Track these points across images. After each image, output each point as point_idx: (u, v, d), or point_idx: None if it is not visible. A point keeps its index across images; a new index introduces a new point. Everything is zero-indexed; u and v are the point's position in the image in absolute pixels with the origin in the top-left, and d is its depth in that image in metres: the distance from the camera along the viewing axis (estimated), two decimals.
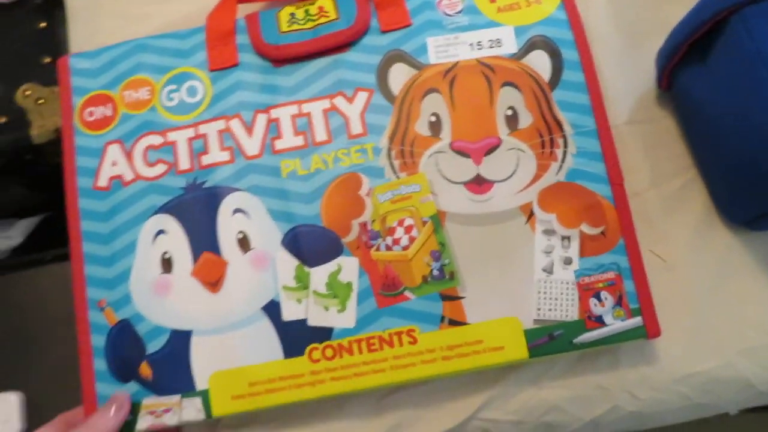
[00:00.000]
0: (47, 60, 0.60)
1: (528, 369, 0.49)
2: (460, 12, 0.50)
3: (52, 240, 0.64)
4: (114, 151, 0.50)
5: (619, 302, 0.45)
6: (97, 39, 0.58)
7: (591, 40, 0.52)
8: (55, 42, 0.60)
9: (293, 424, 0.49)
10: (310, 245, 0.47)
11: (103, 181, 0.49)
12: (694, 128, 0.50)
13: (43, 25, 0.61)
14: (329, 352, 0.45)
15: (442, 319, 0.45)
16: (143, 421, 0.45)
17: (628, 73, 0.53)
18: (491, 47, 0.49)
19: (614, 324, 0.45)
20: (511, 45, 0.49)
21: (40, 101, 0.58)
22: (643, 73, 0.53)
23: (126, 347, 0.46)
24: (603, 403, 0.49)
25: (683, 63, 0.48)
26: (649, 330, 0.45)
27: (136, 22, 0.59)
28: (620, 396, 0.48)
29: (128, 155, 0.49)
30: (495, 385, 0.49)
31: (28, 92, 0.58)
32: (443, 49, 0.49)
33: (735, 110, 0.44)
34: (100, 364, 0.46)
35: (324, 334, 0.45)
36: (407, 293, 0.46)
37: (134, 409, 0.45)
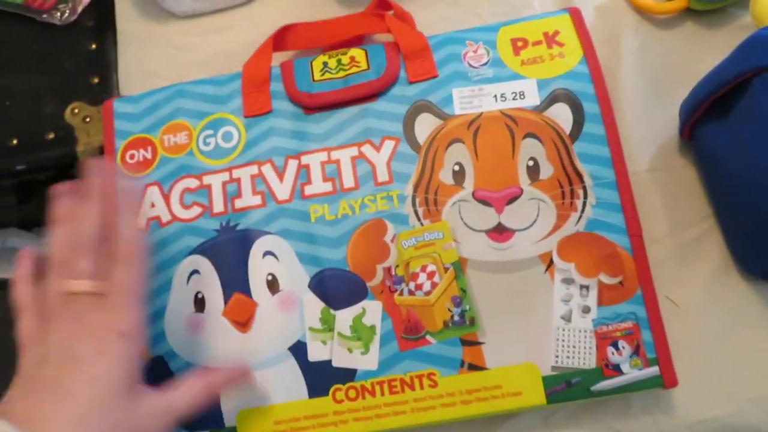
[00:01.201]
0: (96, 80, 0.63)
1: (539, 407, 0.50)
2: (485, 64, 0.52)
3: None
4: (153, 193, 0.52)
5: (636, 351, 0.46)
6: (144, 64, 0.62)
7: (617, 89, 0.53)
8: (105, 63, 0.63)
9: None
10: (335, 288, 0.48)
11: (141, 222, 0.52)
12: (713, 180, 0.51)
13: (93, 46, 0.64)
14: (352, 393, 0.47)
15: (462, 363, 0.47)
16: None
17: (651, 121, 0.54)
18: (514, 99, 0.51)
19: (631, 373, 0.46)
20: (533, 97, 0.51)
21: (86, 119, 0.60)
22: (666, 121, 0.54)
23: (159, 383, 0.48)
24: None
25: (705, 117, 0.49)
26: (666, 380, 0.46)
27: (182, 51, 0.62)
28: None
29: (166, 197, 0.52)
30: (504, 423, 0.50)
31: (76, 110, 0.61)
32: (468, 100, 0.51)
33: (753, 168, 0.45)
34: None
35: (348, 375, 0.47)
36: (428, 337, 0.47)
37: None
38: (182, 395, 0.42)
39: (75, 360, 0.38)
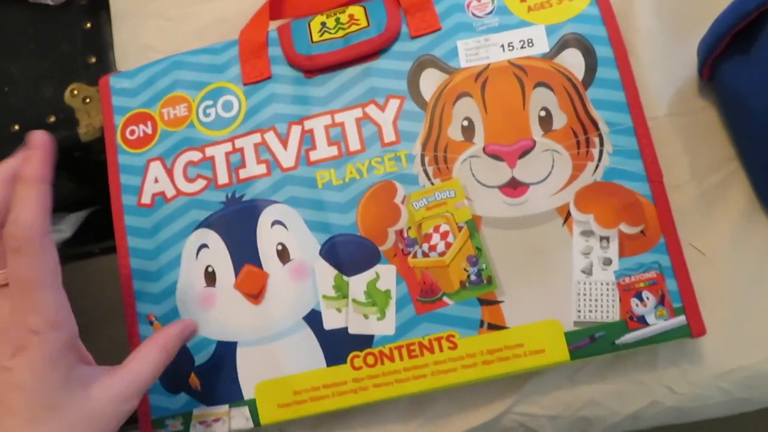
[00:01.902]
0: (93, 60, 0.62)
1: (563, 364, 0.49)
2: (490, 13, 0.50)
3: (99, 233, 0.67)
4: (155, 169, 0.51)
5: (661, 301, 0.44)
6: (139, 39, 0.60)
7: (631, 31, 0.50)
8: (101, 42, 0.62)
9: (329, 416, 0.50)
10: (347, 254, 0.47)
11: (146, 198, 0.51)
12: (736, 120, 0.49)
13: (88, 25, 0.63)
14: (371, 360, 0.46)
15: (482, 323, 0.45)
16: (195, 431, 0.47)
17: (669, 64, 0.52)
18: (523, 48, 0.49)
19: (657, 324, 0.44)
20: (542, 44, 0.49)
21: (87, 100, 0.60)
22: (684, 63, 0.52)
23: (175, 360, 0.47)
24: (641, 398, 0.48)
25: (725, 54, 0.47)
26: (694, 329, 0.44)
27: (177, 23, 0.60)
28: (659, 391, 0.48)
29: (169, 172, 0.51)
30: (531, 379, 0.49)
31: (75, 92, 0.60)
32: (474, 52, 0.49)
33: None
34: None
35: (365, 341, 0.46)
36: (446, 299, 0.46)
37: (186, 419, 0.47)
38: (140, 365, 0.40)
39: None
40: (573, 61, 0.48)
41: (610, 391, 0.48)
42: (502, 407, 0.49)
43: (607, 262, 0.45)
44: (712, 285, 0.48)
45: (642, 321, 0.44)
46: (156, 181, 0.51)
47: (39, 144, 0.38)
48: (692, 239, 0.49)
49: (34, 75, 0.62)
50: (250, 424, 0.46)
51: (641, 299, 0.45)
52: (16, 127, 0.60)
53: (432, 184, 0.47)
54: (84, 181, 0.66)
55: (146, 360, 0.40)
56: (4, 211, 0.38)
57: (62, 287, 0.37)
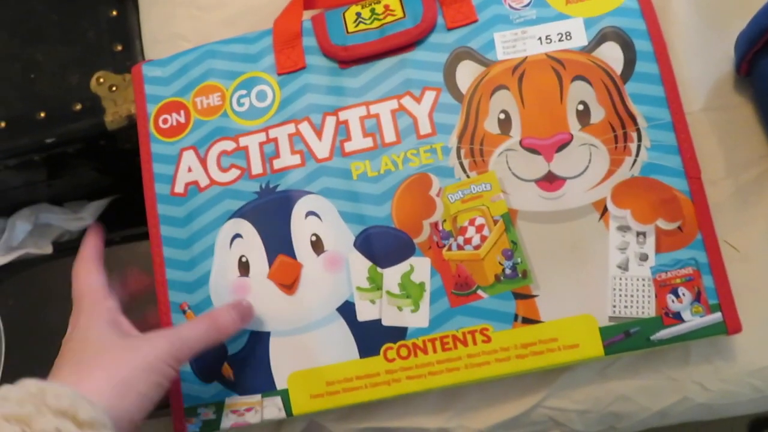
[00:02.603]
0: (119, 48, 0.61)
1: (596, 359, 0.48)
2: (527, 5, 0.49)
3: (120, 221, 0.66)
4: (189, 158, 0.51)
5: (697, 298, 0.44)
6: (169, 27, 0.60)
7: (668, 24, 0.50)
8: (127, 30, 0.62)
9: (359, 408, 0.50)
10: (382, 246, 0.47)
11: (179, 188, 0.51)
12: None
13: (114, 13, 0.63)
14: (404, 352, 0.46)
15: (516, 317, 0.45)
16: (227, 420, 0.47)
17: (706, 58, 0.51)
18: (560, 41, 0.48)
19: (693, 320, 0.44)
20: (581, 37, 0.48)
21: (113, 88, 0.59)
22: (721, 57, 0.51)
23: (208, 349, 0.48)
24: (672, 394, 0.48)
25: (765, 49, 0.46)
26: (730, 326, 0.44)
27: (207, 11, 0.60)
28: (690, 388, 0.48)
29: (202, 161, 0.51)
30: (562, 374, 0.49)
31: (101, 80, 0.60)
32: (511, 45, 0.49)
33: None
34: (184, 365, 0.48)
35: (398, 333, 0.46)
36: (480, 292, 0.46)
37: (218, 408, 0.47)
38: (188, 332, 0.43)
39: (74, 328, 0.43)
40: (612, 54, 0.48)
41: (641, 387, 0.48)
42: (533, 401, 0.49)
43: (644, 257, 0.45)
44: (746, 282, 0.47)
45: (678, 317, 0.44)
46: (189, 170, 0.51)
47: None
48: (727, 236, 0.48)
49: (60, 62, 0.62)
50: (283, 414, 0.46)
51: (677, 295, 0.45)
52: (42, 115, 0.60)
53: (468, 176, 0.47)
54: (107, 169, 0.66)
55: (195, 329, 0.43)
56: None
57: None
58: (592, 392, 0.49)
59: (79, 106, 0.60)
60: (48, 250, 0.67)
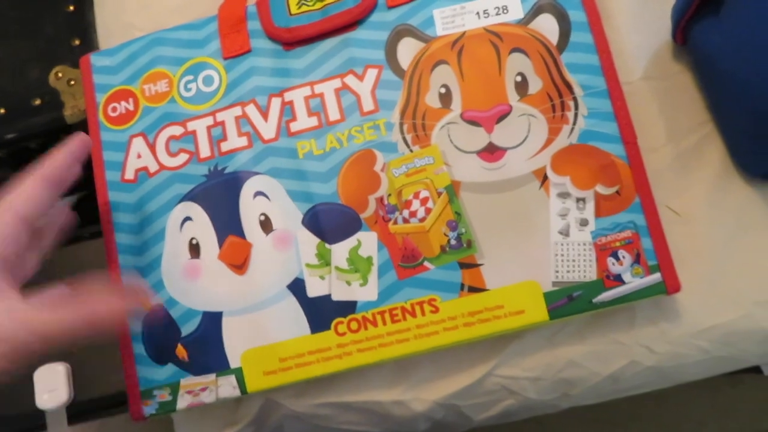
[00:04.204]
0: (77, 42, 0.62)
1: (543, 326, 0.49)
2: None
3: (89, 218, 0.67)
4: (138, 144, 0.52)
5: (637, 260, 0.45)
6: (122, 18, 0.61)
7: None
8: (84, 24, 0.62)
9: (315, 384, 0.51)
10: (329, 223, 0.48)
11: (129, 174, 0.51)
12: (710, 82, 0.49)
13: (72, 8, 0.63)
14: (354, 325, 0.47)
15: (462, 286, 0.46)
16: (183, 401, 0.47)
17: (643, 28, 0.52)
18: (498, 14, 0.49)
19: (633, 282, 0.45)
20: (517, 11, 0.49)
21: (71, 83, 0.60)
22: (659, 28, 0.52)
23: (161, 331, 0.48)
24: (620, 358, 0.49)
25: (697, 16, 0.47)
26: (669, 286, 0.45)
27: (158, 0, 0.60)
28: (637, 351, 0.49)
29: (152, 147, 0.51)
30: (511, 342, 0.49)
31: (60, 74, 0.60)
32: (450, 20, 0.50)
33: (751, 61, 0.43)
34: (138, 349, 0.49)
35: (348, 308, 0.47)
36: (427, 264, 0.47)
37: (173, 389, 0.48)
38: (51, 315, 0.40)
39: None
40: (547, 26, 0.48)
41: (589, 352, 0.49)
42: (484, 370, 0.50)
43: (584, 222, 0.46)
44: (689, 245, 0.48)
45: (618, 279, 0.45)
46: (139, 156, 0.51)
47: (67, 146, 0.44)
48: (669, 201, 0.49)
49: (19, 58, 0.62)
50: (237, 392, 0.47)
51: (617, 258, 0.45)
52: (2, 111, 0.60)
53: (411, 151, 0.48)
54: None
55: (58, 314, 0.40)
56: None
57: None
58: (542, 359, 0.49)
59: (38, 101, 0.60)
60: None
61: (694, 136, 0.51)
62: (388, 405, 0.51)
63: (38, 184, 0.43)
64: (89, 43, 0.62)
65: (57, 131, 0.60)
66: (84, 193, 0.71)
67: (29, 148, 0.62)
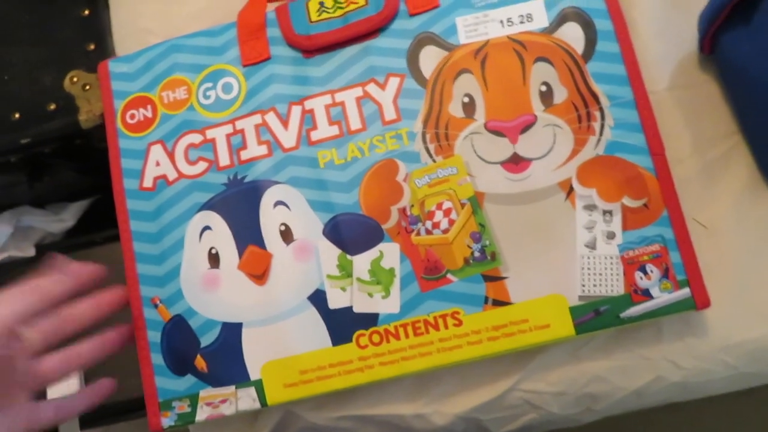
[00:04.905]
0: (92, 47, 0.62)
1: (568, 339, 0.49)
2: None
3: (102, 222, 0.67)
4: (157, 152, 0.51)
5: (665, 274, 0.44)
6: (138, 23, 0.60)
7: (632, 4, 0.50)
8: (99, 29, 0.62)
9: (335, 396, 0.50)
10: (350, 233, 0.47)
11: (148, 182, 0.51)
12: (738, 92, 0.49)
13: (86, 12, 0.63)
14: (376, 338, 0.46)
15: (486, 299, 0.45)
16: (202, 412, 0.47)
17: (669, 37, 0.52)
18: (522, 23, 0.48)
19: (661, 297, 0.44)
20: (542, 19, 0.48)
21: (86, 87, 0.60)
22: (684, 36, 0.51)
23: (180, 342, 0.48)
24: (646, 373, 0.48)
25: (726, 25, 0.47)
26: (698, 301, 0.44)
27: (174, 5, 0.60)
28: (663, 366, 0.48)
29: (170, 155, 0.51)
30: (535, 356, 0.49)
31: (75, 79, 0.60)
32: (473, 28, 0.49)
33: None
34: (157, 359, 0.48)
35: (370, 320, 0.46)
36: (450, 276, 0.46)
37: (192, 400, 0.47)
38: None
39: None
40: (573, 34, 0.48)
41: (614, 367, 0.48)
42: (507, 384, 0.49)
43: (611, 235, 0.45)
44: (716, 258, 0.48)
45: (646, 294, 0.44)
46: (157, 164, 0.51)
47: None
48: (695, 213, 0.49)
49: (34, 63, 0.62)
50: (257, 405, 0.46)
51: (645, 272, 0.45)
52: (17, 115, 0.60)
53: (434, 161, 0.47)
54: (85, 169, 0.66)
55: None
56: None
57: None
58: (566, 374, 0.49)
59: (53, 106, 0.60)
60: (30, 252, 0.68)
61: (720, 147, 0.50)
62: (408, 418, 0.50)
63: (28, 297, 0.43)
64: (104, 48, 0.62)
65: (71, 136, 0.60)
66: (98, 196, 0.71)
67: (43, 153, 0.62)
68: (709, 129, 0.50)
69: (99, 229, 0.68)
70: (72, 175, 0.67)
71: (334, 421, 0.50)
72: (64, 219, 0.68)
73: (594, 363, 0.49)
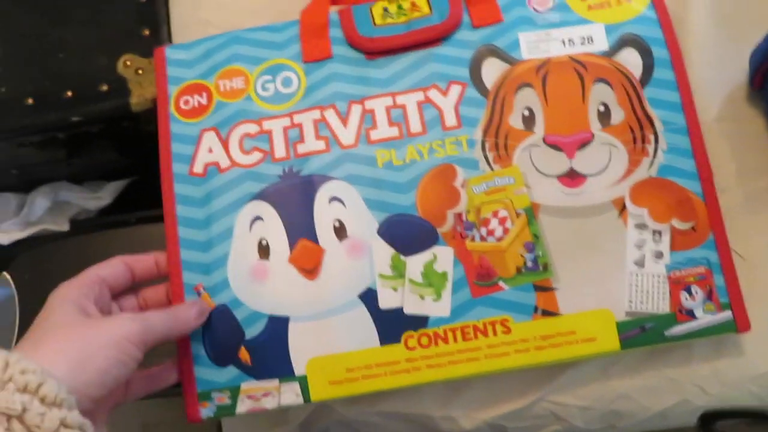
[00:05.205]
0: (147, 32, 0.62)
1: (612, 353, 0.49)
2: (550, 9, 0.51)
3: (137, 203, 0.68)
4: (210, 138, 0.50)
5: (709, 296, 0.46)
6: (198, 14, 0.61)
7: (686, 34, 0.52)
8: (155, 15, 0.62)
9: (370, 395, 0.49)
10: (405, 234, 0.47)
11: (198, 168, 0.50)
12: None
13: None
14: (425, 340, 0.46)
15: (536, 309, 0.46)
16: (243, 405, 0.46)
17: (720, 69, 0.54)
18: (582, 44, 0.50)
19: (704, 317, 0.46)
20: (602, 42, 0.50)
21: (139, 71, 0.59)
22: (736, 70, 0.53)
23: (224, 332, 0.47)
24: (672, 395, 0.49)
25: None
26: (739, 324, 0.46)
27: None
28: (690, 389, 0.49)
29: (224, 143, 0.50)
30: (566, 369, 0.49)
31: (128, 62, 0.60)
32: (535, 45, 0.50)
33: None
34: (197, 349, 0.47)
35: (419, 322, 0.46)
36: (501, 283, 0.46)
37: (233, 392, 0.46)
38: (153, 315, 0.43)
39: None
40: (631, 60, 0.50)
41: (642, 387, 0.49)
42: (536, 395, 0.49)
43: (659, 255, 0.47)
44: (751, 289, 0.48)
45: (690, 314, 0.46)
46: (210, 151, 0.50)
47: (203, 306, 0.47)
48: (733, 243, 0.50)
49: (89, 43, 0.62)
50: (300, 400, 0.46)
51: (690, 293, 0.46)
52: (69, 94, 0.60)
53: (492, 169, 0.48)
54: (127, 151, 0.65)
55: (159, 316, 0.43)
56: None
57: None
58: (594, 389, 0.49)
59: (105, 87, 0.60)
60: (65, 227, 0.67)
61: (763, 181, 0.52)
62: (437, 419, 0.50)
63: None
64: (159, 35, 0.62)
65: (120, 118, 0.60)
66: (135, 177, 0.70)
67: (90, 132, 0.61)
68: (754, 162, 0.52)
69: (134, 210, 0.67)
70: (112, 155, 0.66)
71: (366, 416, 0.50)
72: (101, 197, 0.68)
73: (623, 381, 0.49)
